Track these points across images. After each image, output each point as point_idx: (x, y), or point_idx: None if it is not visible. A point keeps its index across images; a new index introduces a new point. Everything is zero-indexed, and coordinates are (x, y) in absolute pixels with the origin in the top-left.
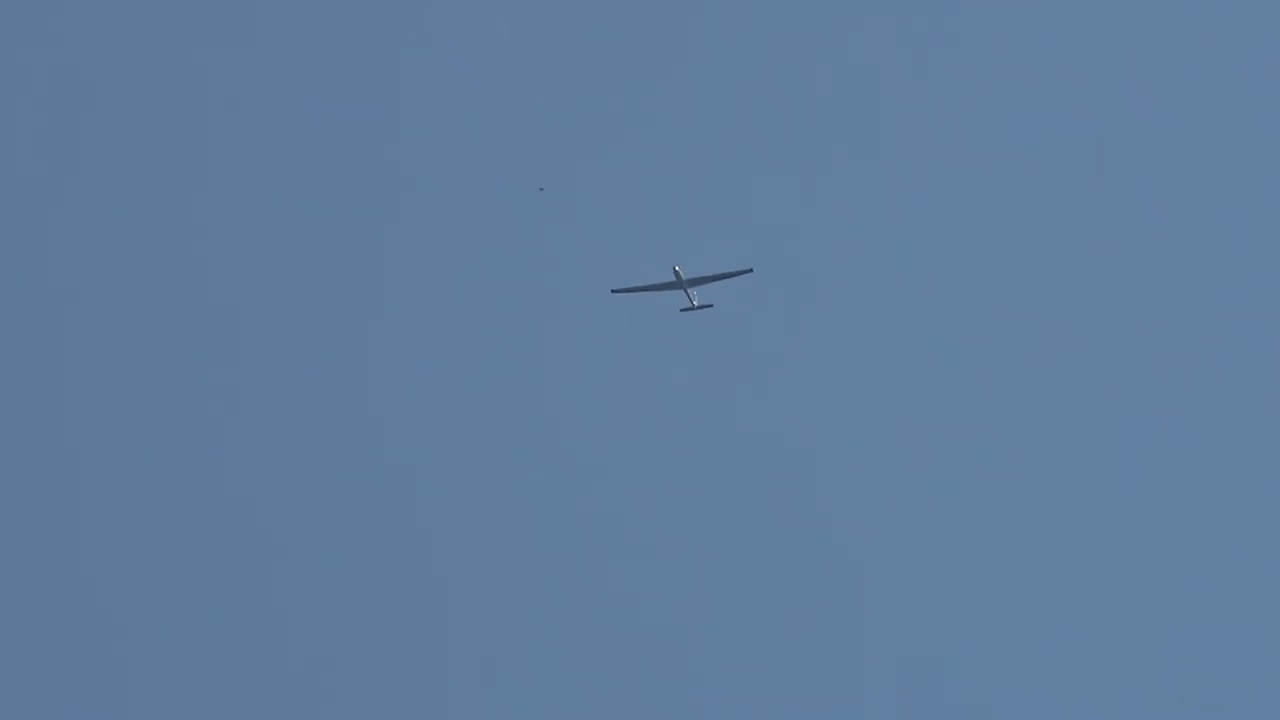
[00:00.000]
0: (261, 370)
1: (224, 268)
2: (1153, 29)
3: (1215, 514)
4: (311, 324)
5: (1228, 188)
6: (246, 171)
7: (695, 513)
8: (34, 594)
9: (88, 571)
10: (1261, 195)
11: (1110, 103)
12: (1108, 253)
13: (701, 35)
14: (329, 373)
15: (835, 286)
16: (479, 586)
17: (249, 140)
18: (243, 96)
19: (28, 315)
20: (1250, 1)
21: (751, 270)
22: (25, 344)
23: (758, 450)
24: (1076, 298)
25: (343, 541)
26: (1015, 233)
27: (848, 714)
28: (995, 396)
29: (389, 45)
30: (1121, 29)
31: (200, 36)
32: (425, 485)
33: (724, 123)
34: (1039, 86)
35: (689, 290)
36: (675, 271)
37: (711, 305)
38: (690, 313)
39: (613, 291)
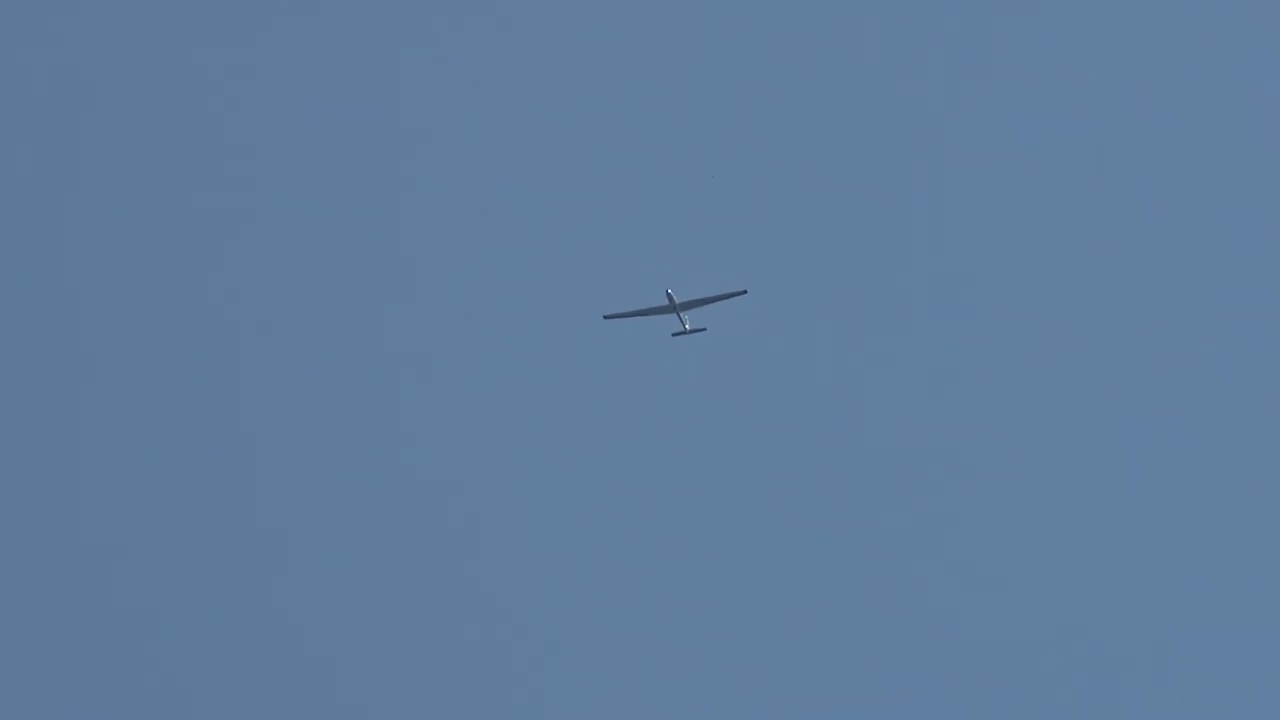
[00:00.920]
0: (260, 372)
1: (226, 268)
2: (1152, 30)
3: (1216, 513)
4: (304, 335)
5: (1230, 188)
6: (251, 171)
7: (688, 527)
8: (35, 594)
9: (106, 571)
10: (1262, 196)
11: (1110, 103)
12: (1112, 273)
13: (691, 52)
14: (324, 386)
15: (832, 306)
16: (476, 589)
17: (253, 140)
18: (245, 97)
19: (37, 315)
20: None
21: (746, 292)
22: (47, 343)
23: (753, 469)
24: (1082, 316)
25: (342, 545)
26: (1013, 249)
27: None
28: (996, 409)
29: (387, 56)
30: (1120, 30)
31: (206, 37)
32: (416, 504)
33: (717, 139)
34: (1035, 94)
35: (681, 314)
36: (668, 295)
37: (705, 329)
38: (683, 336)
39: (605, 317)
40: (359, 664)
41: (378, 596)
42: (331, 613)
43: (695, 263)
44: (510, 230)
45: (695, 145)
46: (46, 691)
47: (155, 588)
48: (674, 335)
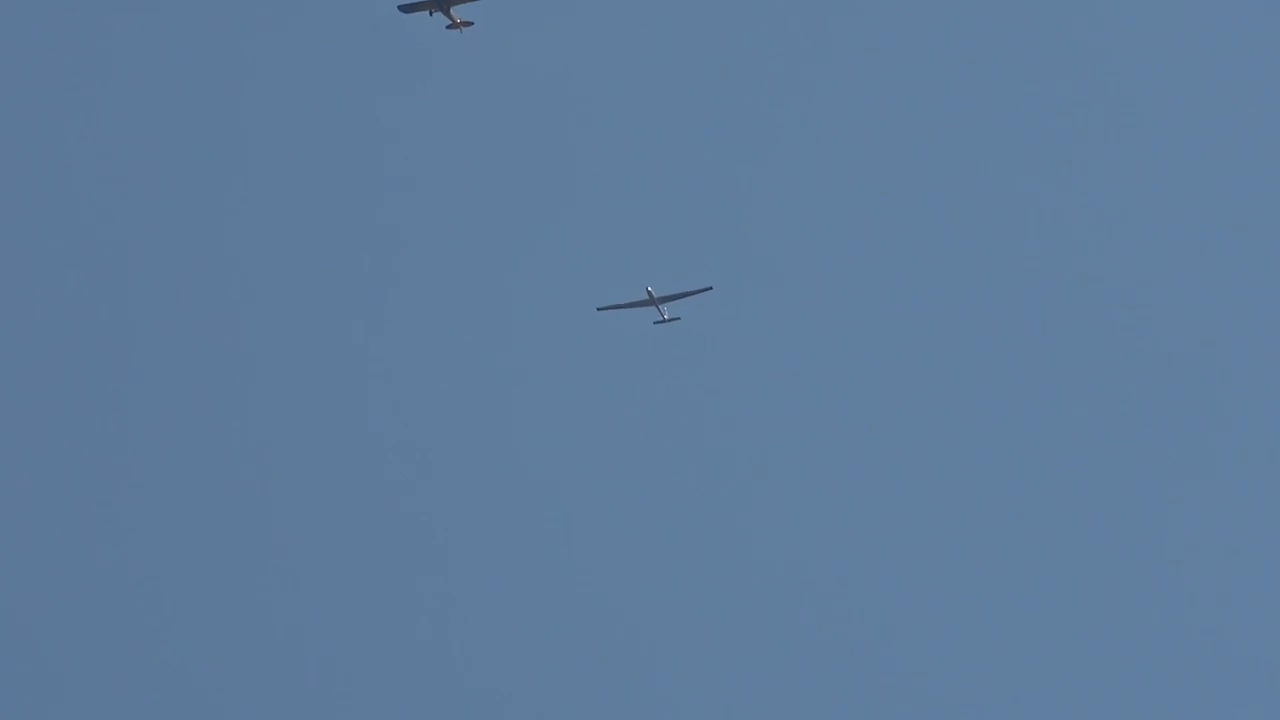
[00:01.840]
0: (262, 375)
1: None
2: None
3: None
4: (301, 329)
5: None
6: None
7: (671, 513)
8: (38, 594)
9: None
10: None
11: (1112, 104)
12: (1088, 272)
13: (665, 53)
14: (326, 382)
15: (797, 298)
16: (473, 593)
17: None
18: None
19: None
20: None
21: (711, 288)
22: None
23: (724, 453)
24: (1037, 315)
25: (338, 551)
26: (978, 242)
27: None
28: (964, 403)
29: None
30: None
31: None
32: (416, 493)
33: (693, 142)
34: (1006, 92)
35: (660, 306)
36: (648, 292)
37: (680, 318)
38: (663, 324)
39: (598, 309)
40: (356, 665)
41: (374, 600)
42: (330, 616)
43: (671, 262)
44: (511, 232)
45: (664, 158)
46: (45, 691)
47: (167, 587)
48: (655, 324)
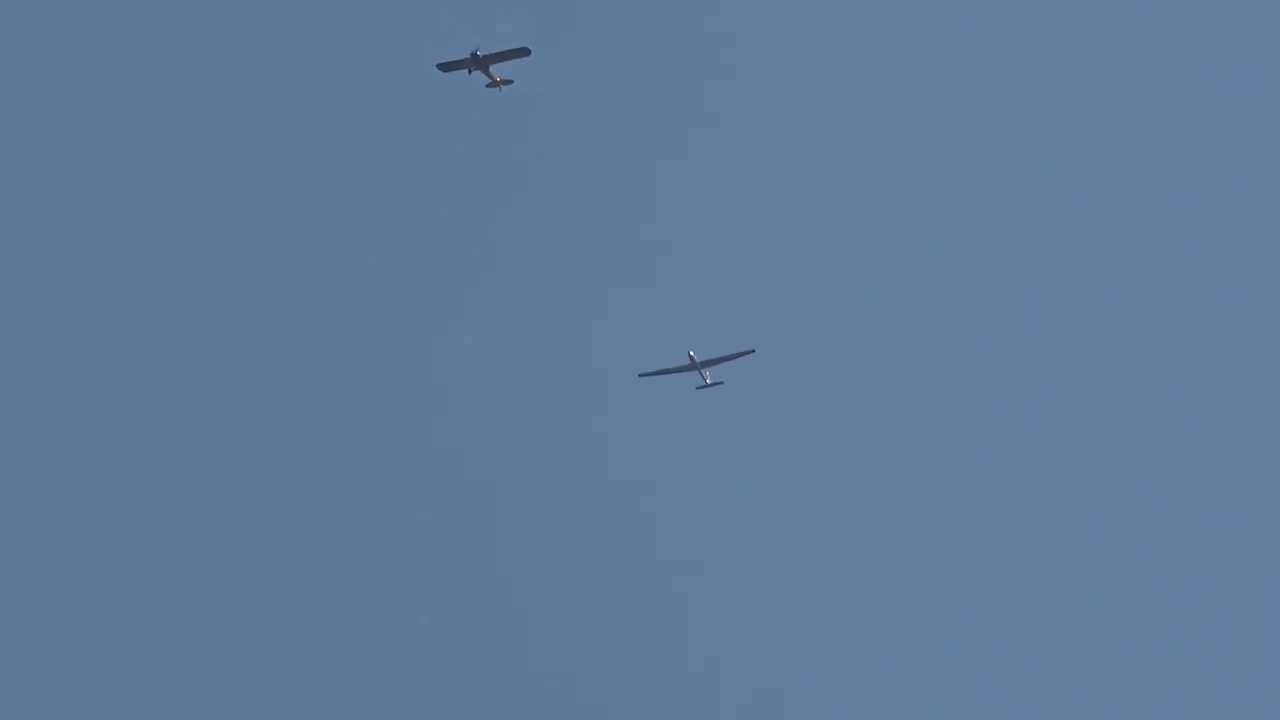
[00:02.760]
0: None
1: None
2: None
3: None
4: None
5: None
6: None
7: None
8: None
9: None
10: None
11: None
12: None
13: (698, 115)
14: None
15: (841, 364)
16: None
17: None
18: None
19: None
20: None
21: (754, 351)
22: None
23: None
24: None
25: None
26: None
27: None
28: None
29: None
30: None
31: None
32: (446, 564)
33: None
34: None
35: (703, 371)
36: (690, 356)
37: (722, 383)
38: (705, 390)
39: (640, 375)
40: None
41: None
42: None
43: (713, 326)
44: (554, 296)
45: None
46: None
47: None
48: (698, 389)
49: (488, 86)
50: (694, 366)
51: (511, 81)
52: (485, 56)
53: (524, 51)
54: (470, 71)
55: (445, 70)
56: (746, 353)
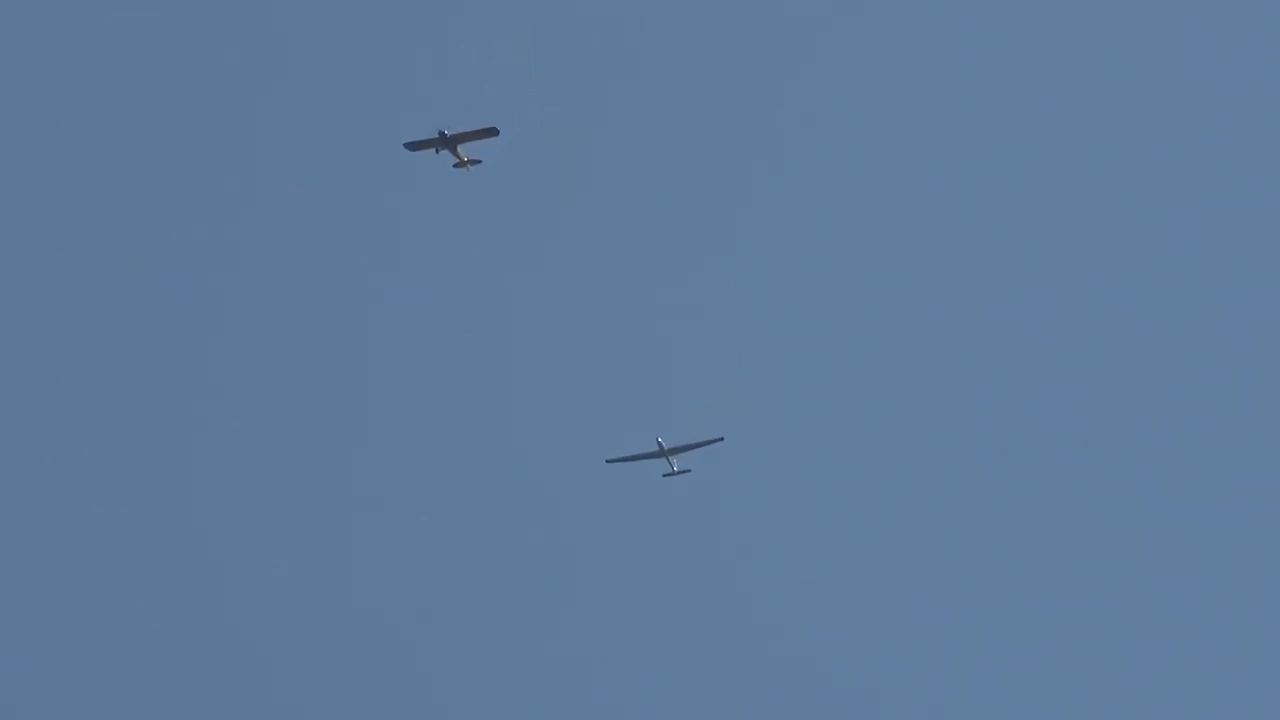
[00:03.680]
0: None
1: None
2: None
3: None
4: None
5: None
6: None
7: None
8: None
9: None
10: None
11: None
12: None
13: (664, 207)
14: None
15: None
16: None
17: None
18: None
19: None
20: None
21: (723, 439)
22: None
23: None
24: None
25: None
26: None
27: None
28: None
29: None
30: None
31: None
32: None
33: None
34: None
35: (670, 458)
36: (658, 443)
37: (690, 470)
38: (671, 477)
39: (607, 461)
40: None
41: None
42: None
43: (680, 412)
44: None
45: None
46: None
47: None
48: (664, 476)
49: (455, 167)
50: (663, 453)
51: (480, 161)
52: (453, 136)
53: (492, 131)
54: (438, 151)
55: (413, 150)
56: (716, 440)
